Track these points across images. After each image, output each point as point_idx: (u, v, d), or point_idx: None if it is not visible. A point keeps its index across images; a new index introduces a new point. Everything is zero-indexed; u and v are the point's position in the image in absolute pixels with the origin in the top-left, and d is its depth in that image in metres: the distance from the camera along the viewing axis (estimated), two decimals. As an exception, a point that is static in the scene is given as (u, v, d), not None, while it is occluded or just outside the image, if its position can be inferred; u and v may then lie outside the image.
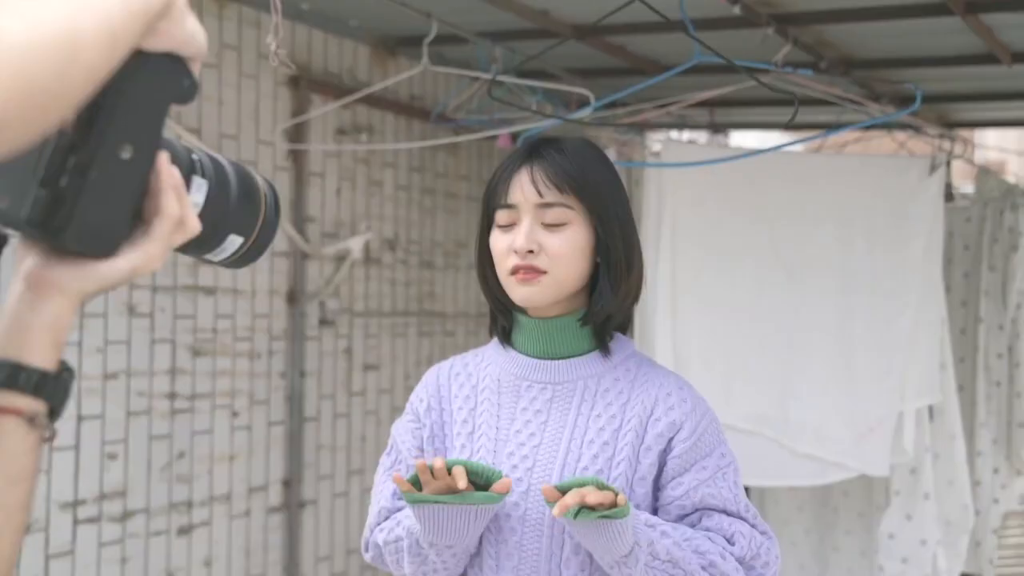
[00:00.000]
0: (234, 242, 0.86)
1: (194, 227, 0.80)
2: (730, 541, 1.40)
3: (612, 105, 3.40)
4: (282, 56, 1.97)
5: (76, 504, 2.71)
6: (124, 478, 2.83)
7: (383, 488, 1.58)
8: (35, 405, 0.72)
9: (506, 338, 1.55)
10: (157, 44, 0.72)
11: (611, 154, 3.56)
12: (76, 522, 2.71)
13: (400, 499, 1.53)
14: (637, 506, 1.41)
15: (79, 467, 2.71)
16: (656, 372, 1.51)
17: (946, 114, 4.10)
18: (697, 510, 1.43)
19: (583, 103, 2.76)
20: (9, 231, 0.76)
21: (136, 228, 0.77)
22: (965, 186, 4.38)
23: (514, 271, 1.44)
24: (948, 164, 2.62)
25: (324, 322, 3.44)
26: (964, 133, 3.79)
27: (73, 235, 0.72)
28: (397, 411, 3.77)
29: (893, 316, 2.66)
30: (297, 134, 3.32)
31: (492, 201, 1.49)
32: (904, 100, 3.18)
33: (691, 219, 2.89)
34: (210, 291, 3.06)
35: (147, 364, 2.88)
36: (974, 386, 3.30)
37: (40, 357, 0.73)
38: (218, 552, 3.10)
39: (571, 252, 1.43)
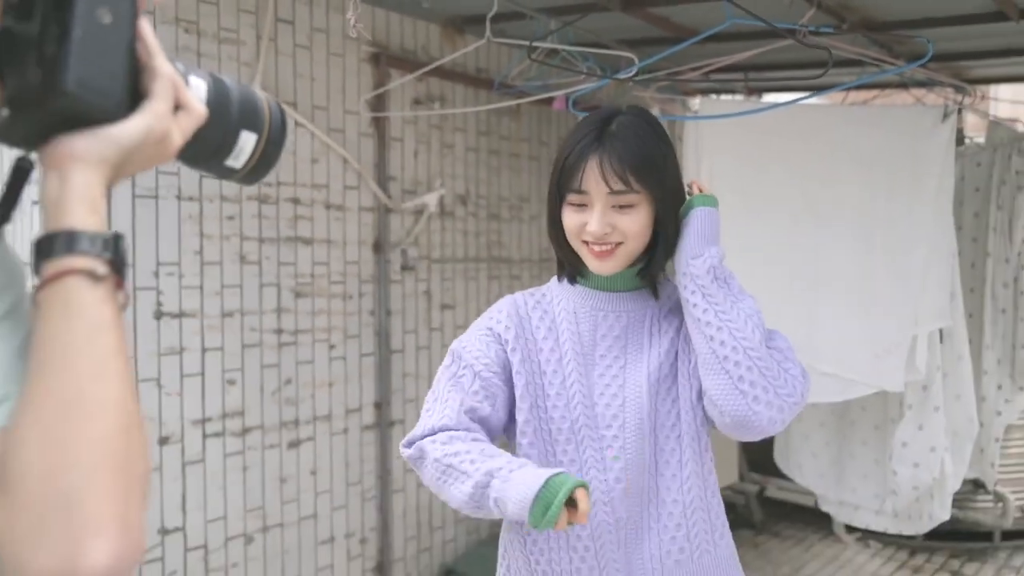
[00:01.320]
0: (249, 140, 0.83)
1: (199, 111, 0.78)
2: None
3: (655, 70, 3.38)
4: (360, 29, 2.00)
5: (204, 421, 2.84)
6: (242, 400, 2.95)
7: (448, 400, 1.50)
8: (89, 262, 0.68)
9: (573, 279, 1.58)
10: None
11: (655, 111, 3.55)
12: (205, 436, 2.85)
13: (465, 413, 1.47)
14: (697, 400, 1.49)
15: (205, 390, 2.84)
16: None
17: (962, 71, 3.98)
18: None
19: (629, 68, 2.75)
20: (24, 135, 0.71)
21: (140, 101, 0.73)
22: (979, 137, 4.27)
23: (587, 243, 1.48)
24: (959, 112, 2.56)
25: (405, 268, 3.52)
26: (979, 88, 3.67)
27: (75, 93, 0.68)
28: (470, 344, 3.84)
29: (908, 250, 2.64)
30: (379, 104, 3.37)
31: (564, 184, 1.48)
32: (920, 57, 3.11)
33: (726, 169, 2.89)
34: (307, 242, 3.15)
35: (257, 304, 2.99)
36: (982, 313, 3.25)
37: (82, 223, 0.68)
38: (322, 463, 3.22)
39: (641, 229, 1.46)
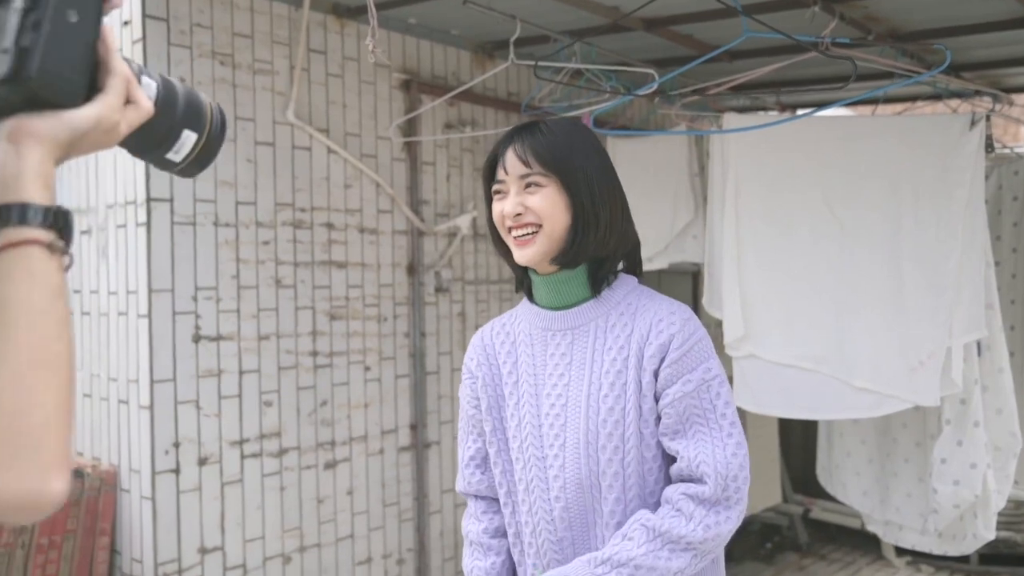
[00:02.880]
0: (190, 137, 0.93)
1: (146, 107, 0.87)
2: (700, 481, 1.43)
3: (681, 88, 3.39)
4: (379, 54, 2.06)
5: (242, 442, 2.90)
6: (279, 421, 3.01)
7: (465, 445, 1.71)
8: (48, 235, 0.77)
9: (530, 294, 1.62)
10: None
11: (681, 127, 3.55)
12: (243, 456, 2.90)
13: (476, 468, 1.69)
14: (647, 421, 1.47)
15: (242, 412, 2.90)
16: (654, 300, 1.54)
17: (997, 80, 3.92)
18: (681, 423, 1.46)
19: (650, 84, 2.77)
20: None
21: (95, 93, 0.82)
22: (1018, 147, 4.19)
23: (509, 230, 1.54)
24: (988, 119, 2.52)
25: (440, 289, 3.56)
26: (1015, 96, 3.61)
27: (39, 79, 0.76)
28: (506, 364, 3.86)
29: (939, 260, 2.59)
30: (410, 130, 3.43)
31: (488, 174, 1.59)
32: (950, 68, 3.07)
33: (752, 182, 2.87)
34: (342, 265, 3.21)
35: (293, 327, 3.05)
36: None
37: (38, 196, 0.77)
38: (358, 484, 3.26)
39: (551, 206, 1.50)
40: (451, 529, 3.60)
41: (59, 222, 0.78)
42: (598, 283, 1.55)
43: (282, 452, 3.02)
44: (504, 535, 1.67)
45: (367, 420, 3.29)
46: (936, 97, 3.55)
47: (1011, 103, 2.99)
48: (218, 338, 2.84)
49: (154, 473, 2.69)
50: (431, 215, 3.53)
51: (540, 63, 2.87)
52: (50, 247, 0.77)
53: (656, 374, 1.47)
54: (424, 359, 3.48)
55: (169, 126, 0.92)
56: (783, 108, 4.46)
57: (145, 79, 0.90)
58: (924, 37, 3.09)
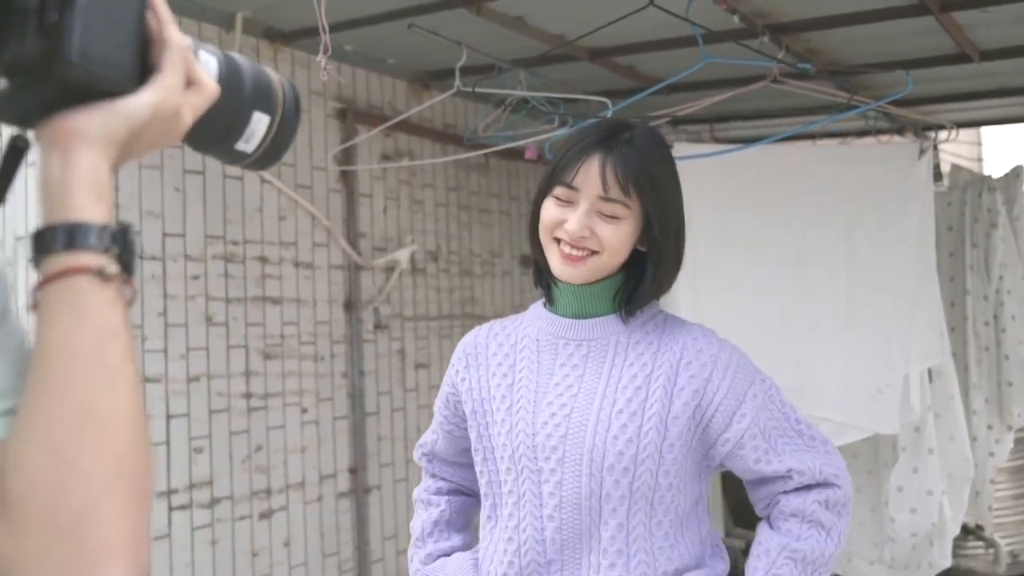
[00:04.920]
0: (261, 121, 0.77)
1: (211, 88, 0.71)
2: (829, 484, 1.36)
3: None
4: (330, 71, 1.94)
5: (170, 493, 2.66)
6: (210, 469, 2.77)
7: (436, 432, 1.63)
8: (99, 259, 0.61)
9: (549, 295, 1.49)
10: None
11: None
12: (171, 509, 2.66)
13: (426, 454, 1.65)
14: (671, 445, 1.34)
15: (170, 460, 2.67)
16: (682, 324, 1.44)
17: (928, 115, 4.02)
18: (767, 440, 1.35)
19: (603, 111, 2.71)
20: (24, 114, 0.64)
21: (150, 74, 0.67)
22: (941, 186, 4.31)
23: (557, 241, 1.38)
24: (935, 148, 2.54)
25: (378, 326, 3.39)
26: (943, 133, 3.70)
27: (81, 64, 0.61)
28: (446, 404, 3.71)
29: (894, 288, 2.58)
30: (346, 161, 3.29)
31: (557, 175, 1.38)
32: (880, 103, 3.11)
33: (706, 210, 2.83)
34: (276, 301, 3.02)
35: (224, 367, 2.84)
36: (965, 352, 3.20)
37: (90, 213, 0.62)
38: (296, 533, 3.04)
39: (620, 243, 1.36)
40: (393, 579, 3.40)
41: (117, 243, 0.63)
42: (632, 305, 1.41)
43: (214, 502, 2.78)
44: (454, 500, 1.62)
45: (304, 465, 3.08)
46: (867, 132, 3.60)
47: (956, 135, 3.04)
48: (144, 380, 2.61)
49: (72, 531, 2.42)
50: (368, 248, 3.38)
51: (483, 90, 2.78)
52: (101, 274, 0.61)
53: (698, 395, 1.34)
54: (363, 399, 3.30)
55: (237, 109, 0.75)
56: (717, 142, 4.48)
57: (204, 54, 0.74)
58: (861, 72, 3.13)
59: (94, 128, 0.63)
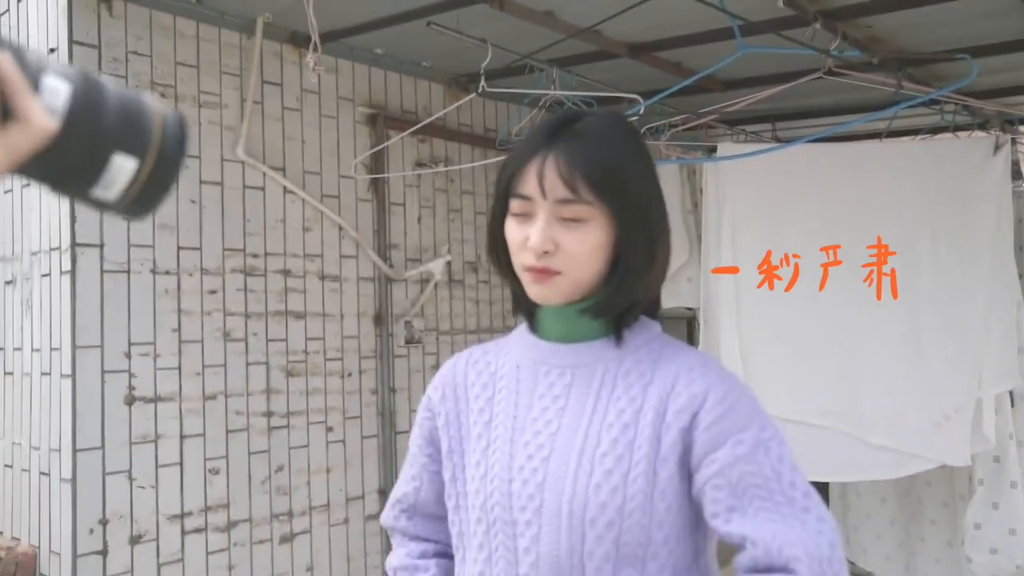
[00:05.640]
0: (124, 167, 0.63)
1: (39, 124, 0.57)
2: (788, 569, 1.06)
3: (667, 116, 3.12)
4: (320, 72, 1.79)
5: (183, 516, 2.56)
6: (227, 491, 2.67)
7: (401, 479, 1.41)
8: None
9: (531, 320, 1.29)
10: None
11: (671, 159, 3.27)
12: (184, 532, 2.56)
13: (400, 502, 1.41)
14: (663, 493, 1.13)
15: (183, 482, 2.57)
16: (680, 350, 1.22)
17: (1010, 107, 3.65)
18: (736, 497, 1.10)
19: (635, 108, 2.49)
20: None
21: None
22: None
23: (528, 269, 1.18)
24: (1013, 143, 2.24)
25: (411, 341, 3.24)
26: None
27: None
28: (486, 421, 3.53)
29: (964, 301, 2.29)
30: (377, 168, 3.15)
31: (506, 188, 1.20)
32: (959, 95, 2.79)
33: (751, 220, 2.59)
34: (300, 316, 2.90)
35: (243, 385, 2.73)
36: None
37: None
38: (320, 558, 2.90)
39: (588, 252, 1.15)
40: (427, 606, 3.23)
41: None
42: (619, 325, 1.21)
43: (230, 526, 2.67)
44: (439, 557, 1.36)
45: (329, 487, 2.95)
46: (944, 129, 3.26)
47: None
48: (155, 399, 2.51)
49: (75, 556, 2.34)
50: (401, 260, 3.23)
51: (515, 91, 2.60)
52: None
53: (685, 434, 1.12)
54: (394, 417, 3.15)
55: (90, 149, 0.62)
56: (779, 142, 4.19)
57: (51, 81, 0.61)
58: (931, 62, 2.82)
59: None
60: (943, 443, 2.29)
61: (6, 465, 2.66)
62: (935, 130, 3.53)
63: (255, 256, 2.79)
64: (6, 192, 2.73)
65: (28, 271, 2.59)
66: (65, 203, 2.37)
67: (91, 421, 2.39)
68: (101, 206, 0.65)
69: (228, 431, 2.68)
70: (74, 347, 2.37)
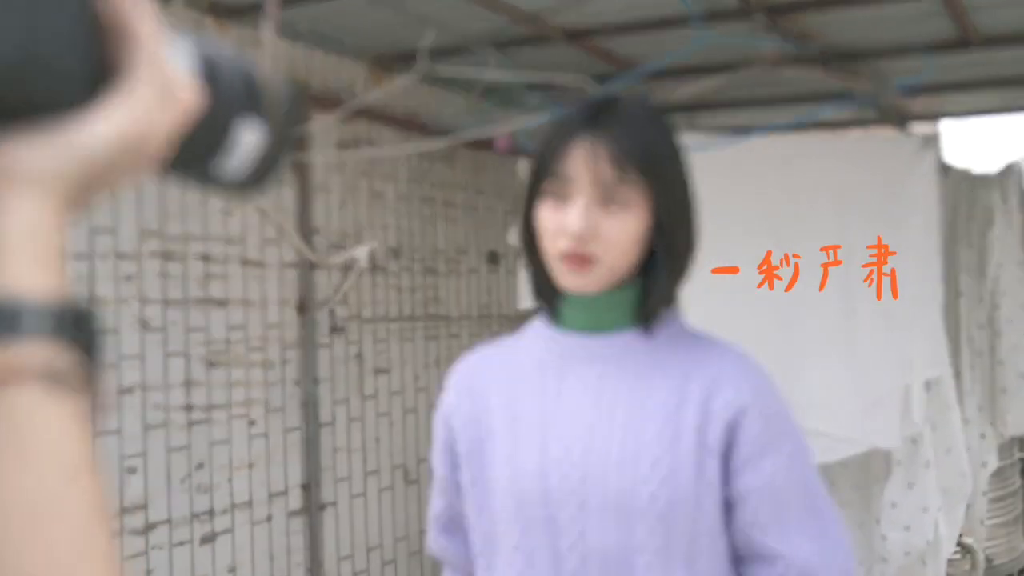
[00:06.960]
0: (249, 131, 0.53)
1: (189, 99, 0.48)
2: None
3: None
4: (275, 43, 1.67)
5: (97, 520, 2.37)
6: (144, 491, 2.49)
7: (435, 503, 1.36)
8: (46, 354, 0.41)
9: (553, 312, 1.24)
10: None
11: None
12: (98, 538, 2.37)
13: (439, 518, 1.35)
14: (710, 485, 1.11)
15: (98, 483, 2.38)
16: (715, 342, 1.21)
17: (929, 107, 3.81)
18: (777, 509, 1.11)
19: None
20: None
21: (108, 77, 0.45)
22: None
23: (565, 256, 1.13)
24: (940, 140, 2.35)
25: (335, 329, 3.12)
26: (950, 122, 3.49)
27: (3, 68, 0.40)
28: (409, 412, 3.45)
29: (894, 291, 2.38)
30: (299, 150, 3.00)
31: (544, 169, 1.15)
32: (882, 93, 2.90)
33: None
34: (221, 303, 2.73)
35: (162, 378, 2.55)
36: (958, 357, 3.02)
37: (33, 280, 0.41)
38: (242, 558, 2.76)
39: (628, 240, 1.12)
40: (349, 603, 3.14)
41: (77, 328, 0.42)
42: (650, 315, 1.17)
43: (148, 528, 2.50)
44: None
45: (252, 483, 2.81)
46: (856, 123, 3.39)
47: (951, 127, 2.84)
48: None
49: (-19, 567, 2.13)
50: (324, 245, 3.10)
51: (451, 74, 2.53)
52: (50, 376, 0.41)
53: (729, 432, 1.10)
54: (317, 409, 3.03)
55: (214, 115, 0.51)
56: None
57: (175, 41, 0.50)
58: (856, 58, 2.91)
59: (39, 165, 0.43)
60: (875, 427, 2.39)
61: None
62: (846, 124, 3.66)
63: (173, 239, 2.61)
64: None
65: None
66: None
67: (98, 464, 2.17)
68: (219, 181, 0.55)
69: (146, 427, 2.51)
70: (-22, 338, 2.15)
